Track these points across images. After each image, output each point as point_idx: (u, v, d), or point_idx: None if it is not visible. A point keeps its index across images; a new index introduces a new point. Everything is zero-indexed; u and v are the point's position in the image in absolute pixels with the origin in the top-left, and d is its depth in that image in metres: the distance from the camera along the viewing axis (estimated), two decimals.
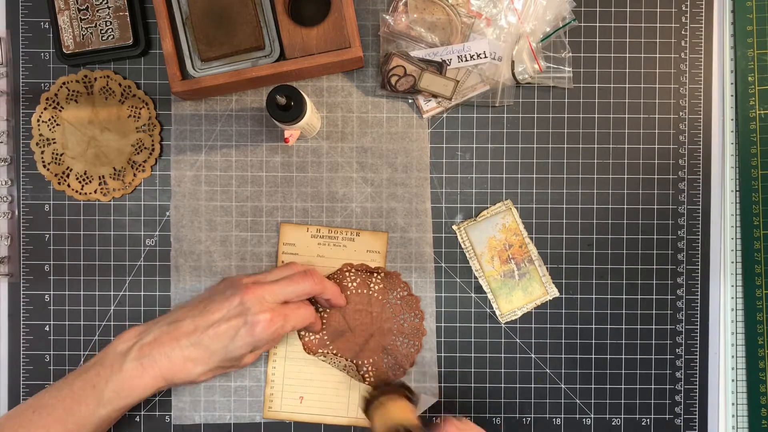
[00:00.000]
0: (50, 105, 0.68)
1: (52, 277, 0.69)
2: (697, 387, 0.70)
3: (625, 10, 0.69)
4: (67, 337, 0.69)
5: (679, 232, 0.70)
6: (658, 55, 0.70)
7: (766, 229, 0.69)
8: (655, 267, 0.70)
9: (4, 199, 0.69)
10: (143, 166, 0.68)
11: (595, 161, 0.70)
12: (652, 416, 0.70)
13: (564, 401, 0.70)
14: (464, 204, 0.69)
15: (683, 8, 0.70)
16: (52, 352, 0.69)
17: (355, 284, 0.68)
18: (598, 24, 0.69)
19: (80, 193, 0.68)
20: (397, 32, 0.67)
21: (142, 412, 0.69)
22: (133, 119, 0.68)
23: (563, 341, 0.70)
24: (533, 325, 0.70)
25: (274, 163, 0.69)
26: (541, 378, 0.69)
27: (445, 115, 0.69)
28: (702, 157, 0.70)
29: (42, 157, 0.68)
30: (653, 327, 0.70)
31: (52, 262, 0.69)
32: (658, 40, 0.70)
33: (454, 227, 0.69)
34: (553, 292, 0.69)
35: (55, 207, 0.69)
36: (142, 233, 0.69)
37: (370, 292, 0.68)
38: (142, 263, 0.69)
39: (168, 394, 0.69)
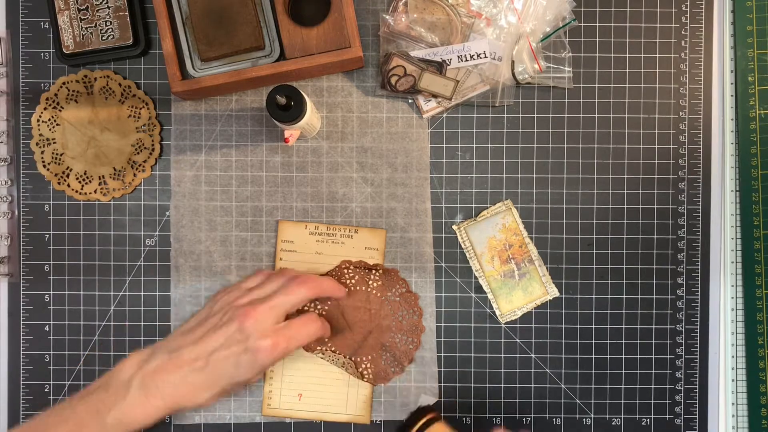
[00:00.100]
0: (50, 105, 0.68)
1: (52, 277, 0.69)
2: (697, 387, 0.70)
3: (625, 10, 0.69)
4: (67, 337, 0.69)
5: (679, 232, 0.70)
6: (658, 55, 0.70)
7: (766, 229, 0.69)
8: (655, 267, 0.70)
9: (4, 199, 0.68)
10: (143, 166, 0.68)
11: (595, 161, 0.70)
12: (652, 416, 0.70)
13: (564, 401, 0.69)
14: (464, 204, 0.69)
15: (683, 8, 0.70)
16: (52, 352, 0.69)
17: (353, 281, 0.68)
18: (598, 24, 0.69)
19: (80, 193, 0.68)
20: (397, 32, 0.67)
21: None
22: (133, 119, 0.68)
23: (563, 341, 0.70)
24: (533, 325, 0.70)
25: (274, 163, 0.69)
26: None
27: (445, 115, 0.69)
28: (702, 157, 0.70)
29: (42, 157, 0.68)
30: (653, 327, 0.70)
31: (52, 262, 0.69)
32: (658, 40, 0.70)
33: (454, 227, 0.69)
34: (553, 292, 0.69)
35: (55, 207, 0.69)
36: (142, 233, 0.69)
37: (369, 289, 0.68)
38: (142, 263, 0.69)
39: None
